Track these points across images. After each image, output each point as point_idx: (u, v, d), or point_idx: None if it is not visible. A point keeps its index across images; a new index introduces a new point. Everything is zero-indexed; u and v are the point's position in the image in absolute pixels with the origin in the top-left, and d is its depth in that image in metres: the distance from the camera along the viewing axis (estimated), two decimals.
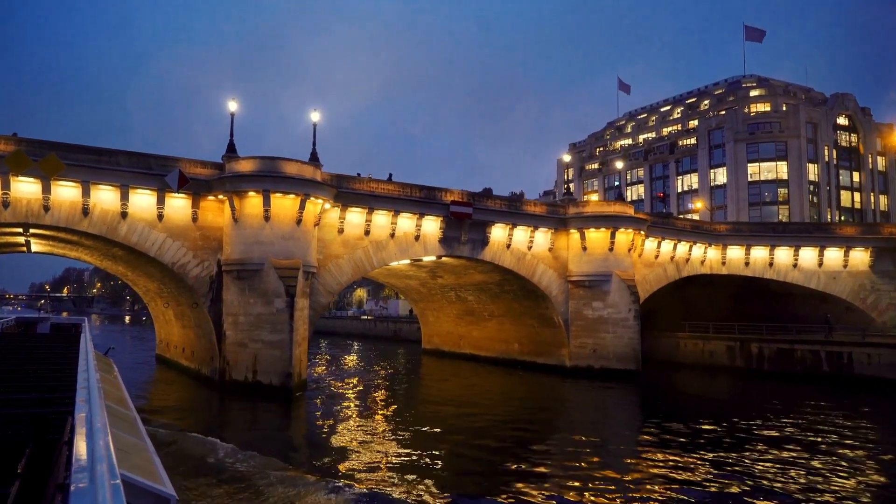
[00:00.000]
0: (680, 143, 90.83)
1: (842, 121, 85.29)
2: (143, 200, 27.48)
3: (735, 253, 41.90)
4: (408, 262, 35.26)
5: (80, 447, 3.39)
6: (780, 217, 75.86)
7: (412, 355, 52.94)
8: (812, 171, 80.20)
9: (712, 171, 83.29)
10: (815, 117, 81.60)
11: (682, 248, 40.64)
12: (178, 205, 28.13)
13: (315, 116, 31.06)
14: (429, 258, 34.39)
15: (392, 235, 32.35)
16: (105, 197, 26.81)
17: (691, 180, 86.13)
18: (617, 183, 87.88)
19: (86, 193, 26.17)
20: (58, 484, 3.11)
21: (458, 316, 46.66)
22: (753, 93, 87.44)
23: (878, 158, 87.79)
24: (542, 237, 36.54)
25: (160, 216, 27.56)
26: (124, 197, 26.80)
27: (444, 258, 34.86)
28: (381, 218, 32.16)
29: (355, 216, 31.53)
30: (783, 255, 41.17)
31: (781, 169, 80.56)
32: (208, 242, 28.64)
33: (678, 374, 38.73)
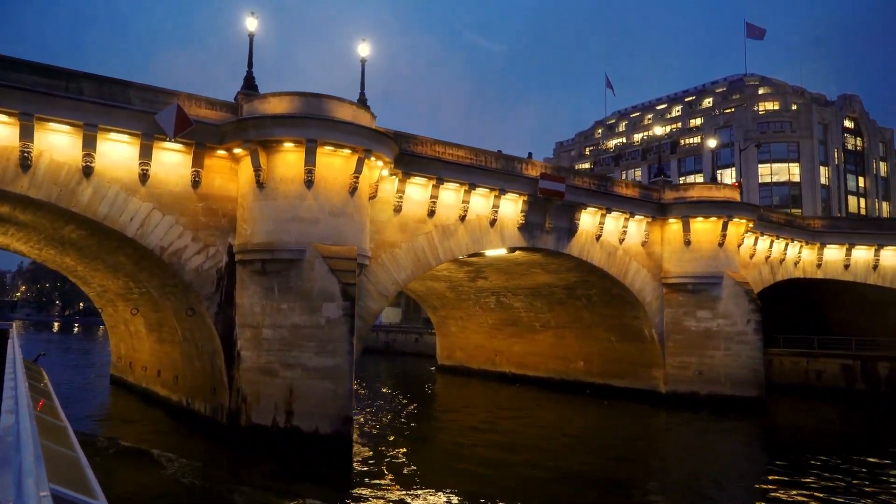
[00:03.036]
0: (682, 142, 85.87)
1: (848, 123, 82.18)
2: (117, 151, 18.01)
3: (833, 254, 35.33)
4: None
5: (7, 459, 3.37)
6: None
7: (426, 374, 44.11)
8: (823, 174, 76.50)
9: (719, 171, 78.38)
10: (826, 118, 77.93)
11: (778, 246, 33.72)
12: (170, 160, 18.76)
13: (364, 50, 22.25)
14: (496, 252, 25.95)
15: (462, 218, 23.79)
16: (58, 142, 17.23)
17: (695, 181, 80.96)
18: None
19: (26, 134, 16.53)
20: None
21: (495, 327, 38.30)
22: (761, 90, 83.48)
23: (881, 164, 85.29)
24: (635, 228, 28.78)
25: (143, 176, 18.14)
26: (89, 144, 17.29)
27: (517, 251, 26.53)
28: (449, 195, 23.58)
29: (416, 190, 22.83)
30: (890, 256, 34.86)
31: (794, 171, 76.20)
32: (215, 219, 19.34)
33: (783, 401, 31.60)
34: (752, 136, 77.37)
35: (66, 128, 17.13)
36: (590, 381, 32.53)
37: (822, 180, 76.19)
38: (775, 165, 76.60)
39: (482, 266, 30.95)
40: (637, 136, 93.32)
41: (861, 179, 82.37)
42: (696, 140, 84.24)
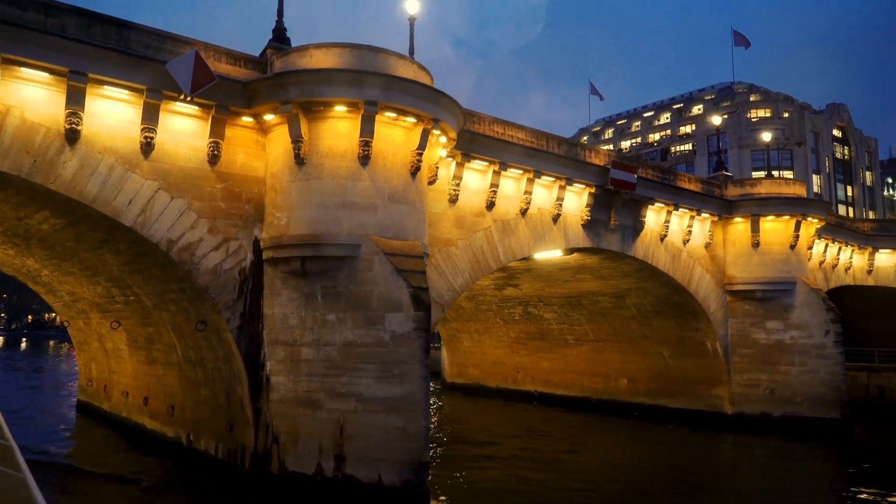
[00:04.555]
0: (673, 149, 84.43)
1: (836, 132, 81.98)
2: (112, 112, 13.56)
3: (885, 259, 32.83)
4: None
5: None
6: None
7: (433, 393, 39.86)
8: (815, 182, 75.75)
9: None
10: (817, 126, 77.42)
11: (831, 250, 30.99)
12: (181, 128, 14.39)
13: (412, 7, 18.30)
14: (550, 254, 22.15)
15: (523, 213, 19.95)
16: (33, 97, 12.73)
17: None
18: None
19: None
20: None
21: (518, 340, 34.45)
22: (752, 98, 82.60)
23: (867, 174, 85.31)
24: (698, 228, 25.44)
25: (147, 146, 13.74)
26: (75, 99, 12.82)
27: (574, 253, 22.81)
28: (509, 184, 19.72)
29: (474, 177, 18.90)
30: None
31: (787, 178, 75.09)
32: (237, 205, 15.00)
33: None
34: (745, 143, 76.24)
35: (45, 76, 12.65)
36: (636, 401, 28.93)
37: (815, 188, 75.42)
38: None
39: (518, 271, 27.11)
40: (625, 144, 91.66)
41: (849, 188, 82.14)
42: (688, 147, 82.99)
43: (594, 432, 26.94)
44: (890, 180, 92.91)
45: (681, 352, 27.00)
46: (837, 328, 24.94)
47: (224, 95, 14.23)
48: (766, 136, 34.69)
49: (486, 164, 18.71)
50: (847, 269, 32.23)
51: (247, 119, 14.92)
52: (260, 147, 15.36)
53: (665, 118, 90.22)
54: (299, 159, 14.31)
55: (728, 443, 25.03)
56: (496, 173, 18.90)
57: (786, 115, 78.46)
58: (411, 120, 14.72)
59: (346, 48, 14.56)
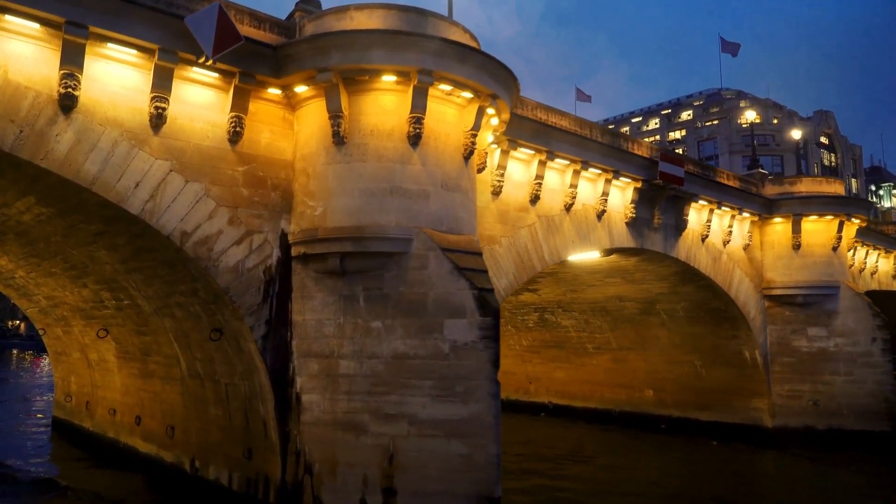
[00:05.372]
0: None
1: (823, 139, 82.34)
2: (116, 76, 11.21)
3: None
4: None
5: None
6: None
7: None
8: None
9: None
10: (806, 133, 77.57)
11: (859, 254, 29.77)
12: (197, 99, 12.10)
13: None
14: (586, 255, 20.24)
15: (568, 208, 18.02)
16: (20, 53, 10.33)
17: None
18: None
19: None
20: None
21: (531, 349, 32.46)
22: (742, 104, 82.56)
23: (852, 181, 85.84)
24: (738, 228, 23.84)
25: (157, 119, 11.43)
26: (72, 57, 10.45)
27: (612, 255, 20.94)
28: (554, 176, 17.76)
29: (517, 168, 16.91)
30: None
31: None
32: (262, 192, 12.75)
33: None
34: (736, 149, 75.90)
35: (35, 28, 10.29)
36: (663, 413, 27.16)
37: None
38: None
39: (541, 275, 24.99)
40: None
41: None
42: (679, 152, 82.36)
43: (621, 447, 25.08)
44: (873, 187, 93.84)
45: (715, 361, 25.31)
46: (885, 335, 23.51)
47: (249, 61, 12.02)
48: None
49: (532, 153, 16.75)
50: (873, 274, 31.09)
51: (273, 91, 12.70)
52: (287, 125, 13.14)
53: (654, 123, 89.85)
54: (338, 138, 12.14)
55: (770, 458, 23.37)
56: (542, 163, 16.95)
57: (775, 121, 78.55)
58: (467, 95, 12.67)
59: (391, 10, 12.45)
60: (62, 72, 10.44)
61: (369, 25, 12.23)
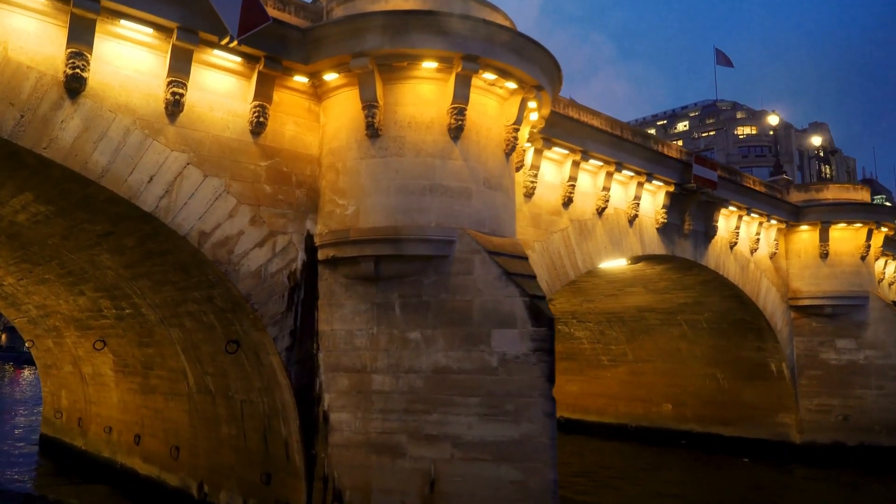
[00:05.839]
0: None
1: (819, 152, 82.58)
2: (129, 58, 10.03)
3: None
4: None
5: None
6: None
7: None
8: None
9: None
10: (802, 144, 77.74)
11: (880, 262, 29.04)
12: (217, 86, 10.95)
13: None
14: (614, 263, 19.24)
15: (600, 212, 17.03)
16: (22, 29, 9.11)
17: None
18: None
19: None
20: None
21: None
22: (738, 115, 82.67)
23: None
24: (765, 236, 23.01)
25: (174, 106, 10.26)
26: (79, 34, 9.27)
27: (641, 262, 19.97)
28: (586, 179, 16.79)
29: (550, 169, 15.89)
30: None
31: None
32: (286, 189, 11.60)
33: None
34: (734, 160, 75.76)
35: (40, 0, 9.17)
36: (683, 428, 26.12)
37: None
38: None
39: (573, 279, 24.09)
40: None
41: None
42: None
43: (646, 465, 23.97)
44: None
45: (738, 374, 24.36)
46: None
47: (276, 44, 10.92)
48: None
49: (566, 152, 15.76)
50: (891, 285, 30.39)
51: (299, 79, 11.60)
52: (313, 117, 12.04)
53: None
54: (372, 130, 11.05)
55: (798, 476, 22.41)
56: (575, 164, 15.96)
57: (772, 132, 78.58)
58: (510, 85, 11.64)
59: None
60: (69, 50, 9.27)
61: (406, 7, 11.20)
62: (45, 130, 9.25)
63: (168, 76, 10.23)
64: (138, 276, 12.94)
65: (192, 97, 10.55)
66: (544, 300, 10.77)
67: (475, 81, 11.23)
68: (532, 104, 12.38)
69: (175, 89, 10.25)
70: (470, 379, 10.47)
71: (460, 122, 11.14)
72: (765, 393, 23.79)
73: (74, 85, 9.37)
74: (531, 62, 11.66)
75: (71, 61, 9.29)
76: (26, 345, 23.74)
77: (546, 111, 13.18)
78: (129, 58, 10.08)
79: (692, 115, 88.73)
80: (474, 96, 11.35)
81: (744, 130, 79.61)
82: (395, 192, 10.97)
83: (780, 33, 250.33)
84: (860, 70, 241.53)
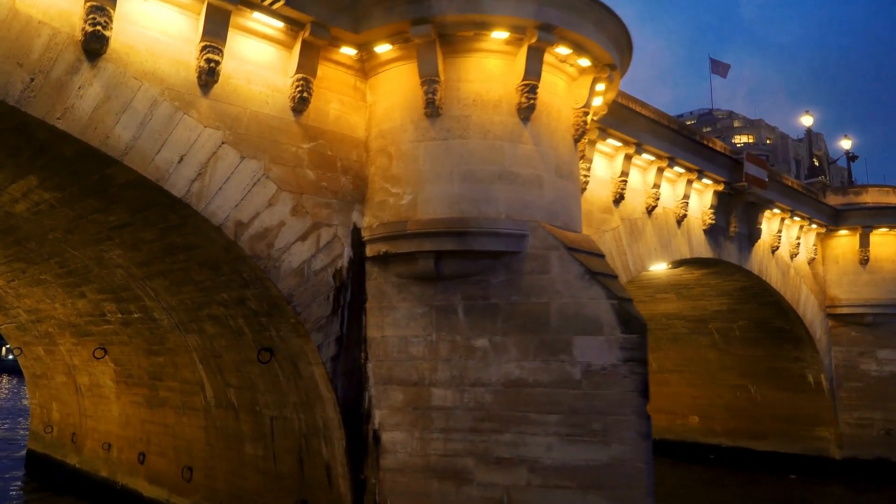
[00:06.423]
0: None
1: (814, 161, 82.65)
2: (156, 17, 8.59)
3: None
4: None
5: None
6: None
7: None
8: None
9: None
10: (799, 153, 77.66)
11: None
12: (255, 56, 9.53)
13: None
14: (659, 266, 18.00)
15: (650, 211, 15.80)
16: None
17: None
18: None
19: None
20: None
21: None
22: (735, 123, 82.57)
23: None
24: (804, 240, 21.96)
25: (208, 75, 8.83)
26: None
27: (682, 266, 18.76)
28: (636, 175, 15.56)
29: (601, 163, 14.61)
30: None
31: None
32: (330, 175, 10.19)
33: None
34: None
35: None
36: (712, 442, 24.91)
37: None
38: None
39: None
40: None
41: None
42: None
43: (675, 482, 22.67)
44: None
45: (772, 385, 23.22)
46: None
47: (323, 8, 9.52)
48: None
49: (619, 145, 14.51)
50: None
51: (346, 51, 10.22)
52: (359, 95, 10.66)
53: None
54: (433, 108, 9.69)
55: (838, 493, 21.27)
56: (628, 158, 14.73)
57: (768, 141, 78.60)
58: (583, 63, 10.37)
59: None
60: (88, 4, 7.81)
61: None
62: (60, 98, 7.76)
63: (202, 41, 8.78)
64: (154, 276, 11.40)
65: (227, 67, 9.11)
66: (632, 303, 9.44)
67: (546, 57, 9.93)
68: (600, 86, 11.12)
69: (210, 55, 8.80)
70: (548, 393, 9.09)
71: (532, 101, 9.82)
72: (801, 406, 22.66)
73: (94, 45, 7.89)
74: (605, 35, 10.37)
75: (91, 17, 7.81)
76: (14, 352, 21.90)
77: (611, 95, 11.93)
78: (158, 18, 8.63)
79: (689, 122, 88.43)
80: (544, 74, 10.02)
81: (741, 139, 79.38)
82: (460, 180, 9.60)
83: (777, 43, 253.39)
84: (857, 81, 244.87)
